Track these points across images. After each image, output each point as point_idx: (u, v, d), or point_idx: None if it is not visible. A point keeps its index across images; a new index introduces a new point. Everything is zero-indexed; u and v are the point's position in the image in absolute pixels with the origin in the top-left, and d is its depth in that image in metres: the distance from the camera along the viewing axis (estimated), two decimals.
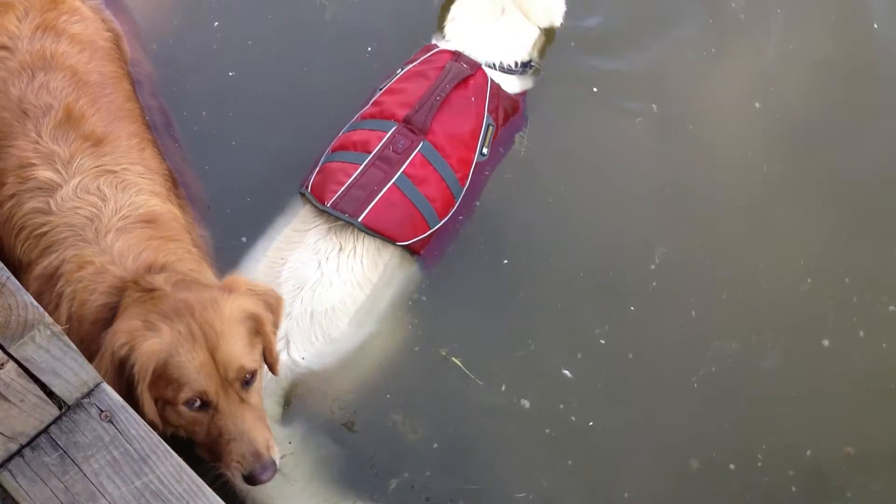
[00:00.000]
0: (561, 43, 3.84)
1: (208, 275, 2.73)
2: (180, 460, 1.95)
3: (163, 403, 2.41)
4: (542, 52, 3.75)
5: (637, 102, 3.79)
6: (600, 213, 3.59)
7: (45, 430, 1.90)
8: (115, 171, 2.76)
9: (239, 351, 2.41)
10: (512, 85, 3.55)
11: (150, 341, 2.32)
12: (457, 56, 3.42)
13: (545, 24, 3.61)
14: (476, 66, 3.42)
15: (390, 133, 3.19)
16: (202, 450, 2.51)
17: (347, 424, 3.09)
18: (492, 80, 3.43)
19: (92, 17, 3.22)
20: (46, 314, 1.68)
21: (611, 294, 3.41)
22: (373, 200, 3.07)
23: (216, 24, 3.83)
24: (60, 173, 2.69)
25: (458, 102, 3.31)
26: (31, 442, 1.90)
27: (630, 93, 3.82)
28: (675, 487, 3.11)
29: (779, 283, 3.48)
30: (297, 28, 3.88)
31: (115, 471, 1.90)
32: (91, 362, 2.24)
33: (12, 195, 2.71)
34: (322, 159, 3.26)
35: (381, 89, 3.42)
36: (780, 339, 3.36)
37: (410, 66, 3.44)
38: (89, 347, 2.39)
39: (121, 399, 1.92)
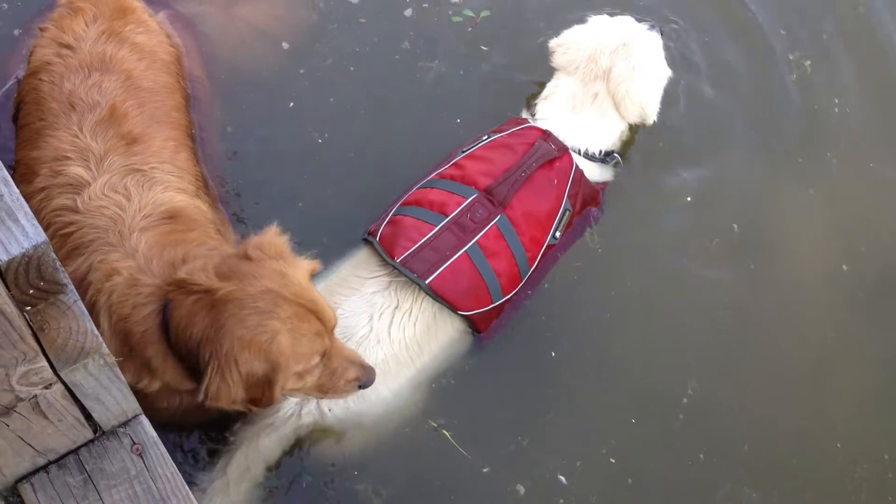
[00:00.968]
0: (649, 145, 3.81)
1: (226, 246, 2.75)
2: None
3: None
4: (627, 146, 3.70)
5: (720, 221, 3.74)
6: (653, 331, 3.52)
7: (76, 451, 1.88)
8: (142, 170, 2.76)
9: (326, 302, 2.56)
10: (593, 173, 3.49)
11: (277, 342, 2.35)
12: (546, 135, 3.37)
13: (635, 118, 3.57)
14: (564, 150, 3.37)
15: (469, 200, 3.15)
16: (315, 391, 2.64)
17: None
18: (577, 165, 3.39)
19: (157, 31, 3.27)
20: (104, 344, 1.66)
21: (636, 416, 3.32)
22: (443, 265, 3.02)
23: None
24: (91, 171, 2.70)
25: (540, 182, 3.26)
26: (60, 460, 1.88)
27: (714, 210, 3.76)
28: None
29: (809, 450, 3.36)
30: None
31: None
32: (148, 373, 2.27)
33: (43, 188, 2.72)
34: (393, 210, 3.21)
35: (464, 152, 3.38)
36: None
37: (497, 135, 3.40)
38: (142, 354, 2.37)
39: (155, 435, 1.89)
